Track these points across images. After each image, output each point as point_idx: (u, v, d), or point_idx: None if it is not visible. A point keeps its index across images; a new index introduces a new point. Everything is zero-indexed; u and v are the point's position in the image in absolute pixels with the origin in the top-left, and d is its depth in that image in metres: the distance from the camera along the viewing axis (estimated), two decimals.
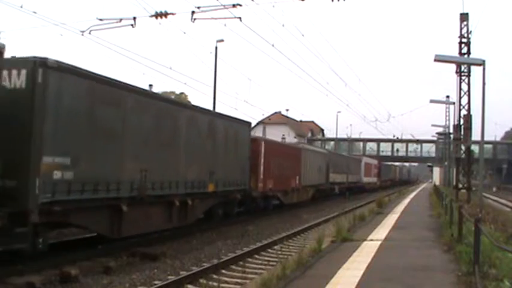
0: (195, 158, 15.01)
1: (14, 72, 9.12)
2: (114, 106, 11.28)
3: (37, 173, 9.00)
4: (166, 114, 13.54)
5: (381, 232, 13.64)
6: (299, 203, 27.75)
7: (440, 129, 49.86)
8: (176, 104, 16.67)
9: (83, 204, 10.33)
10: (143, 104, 12.39)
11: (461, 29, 24.21)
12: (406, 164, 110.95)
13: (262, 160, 21.21)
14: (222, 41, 29.25)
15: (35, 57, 9.32)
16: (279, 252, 13.05)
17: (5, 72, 8.97)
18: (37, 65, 9.12)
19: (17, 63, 9.26)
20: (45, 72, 9.16)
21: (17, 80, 9.12)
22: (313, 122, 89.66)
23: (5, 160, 8.55)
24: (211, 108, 25.13)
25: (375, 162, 62.06)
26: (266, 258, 12.67)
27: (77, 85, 10.10)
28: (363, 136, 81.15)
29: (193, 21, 16.18)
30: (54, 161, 9.41)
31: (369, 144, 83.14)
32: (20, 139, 8.94)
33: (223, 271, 10.76)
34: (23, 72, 9.10)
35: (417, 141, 77.00)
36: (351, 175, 45.25)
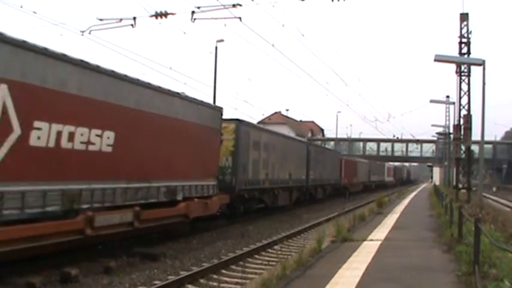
0: (326, 168, 35.19)
1: (301, 147, 30.01)
2: (315, 153, 32.29)
3: (308, 176, 30.06)
4: (321, 153, 35.38)
5: (381, 232, 13.63)
6: (356, 192, 47.11)
7: (440, 129, 49.90)
8: (322, 148, 41.08)
9: (315, 186, 32.56)
10: (319, 151, 35.38)
11: (461, 29, 24.16)
12: (406, 164, 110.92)
13: (343, 168, 41.91)
14: (222, 41, 29.31)
15: (305, 142, 35.87)
16: (279, 252, 13.05)
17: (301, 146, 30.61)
18: (307, 144, 32.44)
19: (301, 144, 31.29)
20: (311, 147, 32.36)
21: (304, 150, 29.93)
22: (313, 122, 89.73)
23: (300, 173, 28.46)
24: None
25: (392, 166, 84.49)
26: (266, 258, 12.69)
27: (313, 149, 32.63)
28: (363, 136, 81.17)
29: (193, 21, 16.12)
30: (311, 172, 30.56)
31: (369, 144, 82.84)
32: (306, 166, 29.72)
33: (223, 271, 10.78)
34: (304, 147, 30.85)
35: (417, 141, 76.91)
36: (380, 176, 67.87)
